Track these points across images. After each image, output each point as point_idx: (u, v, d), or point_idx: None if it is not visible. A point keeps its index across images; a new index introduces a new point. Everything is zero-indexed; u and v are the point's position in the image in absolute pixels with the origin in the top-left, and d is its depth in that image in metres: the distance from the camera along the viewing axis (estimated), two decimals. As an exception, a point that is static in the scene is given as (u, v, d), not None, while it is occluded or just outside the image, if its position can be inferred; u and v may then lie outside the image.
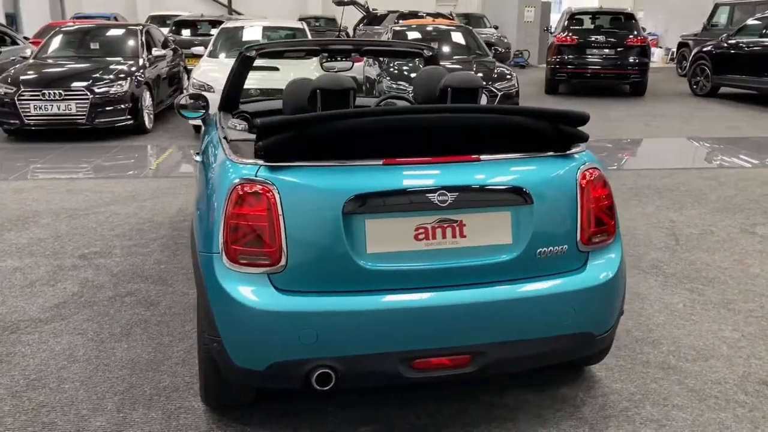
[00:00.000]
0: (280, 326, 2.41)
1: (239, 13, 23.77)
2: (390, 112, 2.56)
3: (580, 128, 2.71)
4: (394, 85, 9.08)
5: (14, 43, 11.22)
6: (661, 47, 24.36)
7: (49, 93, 8.47)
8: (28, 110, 8.45)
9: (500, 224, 2.56)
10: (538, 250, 2.57)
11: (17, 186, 6.57)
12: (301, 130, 2.46)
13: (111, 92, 8.73)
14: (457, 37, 10.80)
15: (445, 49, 10.53)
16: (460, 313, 2.51)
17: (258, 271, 2.41)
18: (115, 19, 20.69)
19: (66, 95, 8.52)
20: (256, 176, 2.42)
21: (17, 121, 8.52)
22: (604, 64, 13.44)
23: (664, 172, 7.30)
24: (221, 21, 13.35)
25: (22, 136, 8.82)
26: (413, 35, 11.13)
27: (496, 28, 21.58)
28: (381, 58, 10.43)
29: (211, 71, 8.97)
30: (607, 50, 13.37)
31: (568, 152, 2.70)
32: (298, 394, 2.89)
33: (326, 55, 4.32)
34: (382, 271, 2.46)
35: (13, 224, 5.33)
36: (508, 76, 9.43)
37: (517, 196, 2.54)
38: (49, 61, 9.52)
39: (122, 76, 9.03)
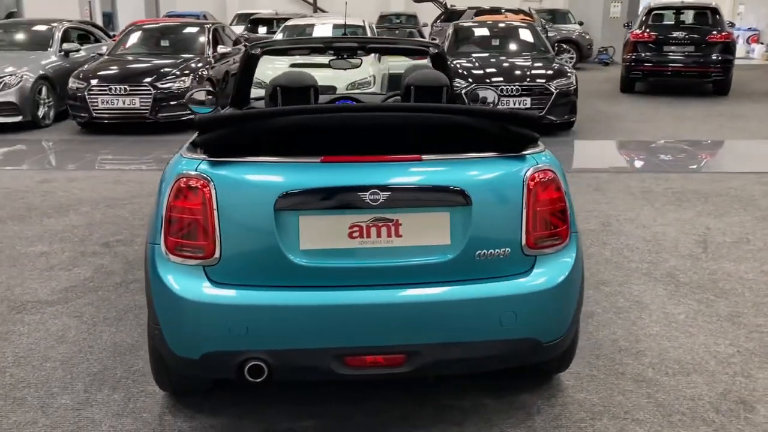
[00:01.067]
0: (212, 317, 2.48)
1: (324, 11, 24.20)
2: (327, 110, 2.58)
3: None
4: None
5: (97, 40, 11.88)
6: (762, 43, 23.01)
7: (116, 88, 8.94)
8: (96, 104, 8.95)
9: (438, 225, 2.53)
10: (477, 252, 2.53)
11: (72, 175, 6.98)
12: (238, 127, 2.52)
13: (173, 88, 9.12)
14: (521, 34, 10.59)
15: (507, 45, 10.36)
16: (394, 312, 2.50)
17: (193, 263, 2.49)
18: (204, 17, 21.48)
19: (131, 90, 8.96)
20: (195, 171, 2.50)
21: (87, 115, 9.04)
22: (685, 62, 12.83)
23: (719, 175, 6.92)
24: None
25: (92, 128, 9.33)
26: (479, 32, 11.01)
27: (580, 24, 20.98)
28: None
29: (268, 68, 9.19)
30: (687, 47, 12.76)
31: (520, 153, 2.63)
32: (251, 387, 2.95)
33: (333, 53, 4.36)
34: (315, 267, 2.48)
35: (55, 211, 5.68)
36: (568, 74, 9.17)
37: (455, 196, 2.50)
38: (121, 57, 10.02)
39: (186, 72, 9.41)
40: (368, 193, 2.44)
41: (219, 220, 2.45)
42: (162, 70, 9.34)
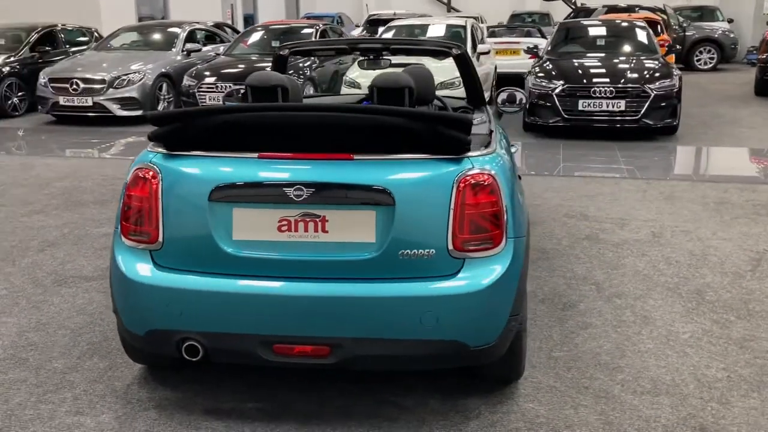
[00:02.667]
0: (153, 298, 2.70)
1: (457, 11, 24.23)
2: (263, 108, 2.72)
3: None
4: (544, 83, 8.83)
5: (222, 41, 12.73)
6: None
7: (221, 86, 9.56)
8: (204, 101, 9.65)
9: (364, 223, 2.59)
10: (400, 252, 2.57)
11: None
12: (185, 122, 2.72)
13: (275, 86, 9.59)
14: (629, 34, 10.13)
15: (613, 45, 9.94)
16: (317, 304, 2.60)
17: (140, 247, 2.73)
18: (340, 18, 22.26)
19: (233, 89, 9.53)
20: (150, 162, 2.74)
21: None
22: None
23: (818, 189, 6.28)
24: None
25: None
26: (585, 31, 10.65)
27: (730, 21, 19.56)
28: (540, 54, 10.18)
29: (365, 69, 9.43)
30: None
31: (458, 156, 2.63)
32: (214, 367, 3.14)
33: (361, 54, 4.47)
34: (245, 257, 2.63)
35: (133, 198, 6.22)
36: (673, 76, 8.65)
37: (380, 196, 2.56)
38: (234, 57, 10.69)
39: (290, 71, 9.85)
40: (293, 189, 2.56)
41: (162, 208, 2.67)
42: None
